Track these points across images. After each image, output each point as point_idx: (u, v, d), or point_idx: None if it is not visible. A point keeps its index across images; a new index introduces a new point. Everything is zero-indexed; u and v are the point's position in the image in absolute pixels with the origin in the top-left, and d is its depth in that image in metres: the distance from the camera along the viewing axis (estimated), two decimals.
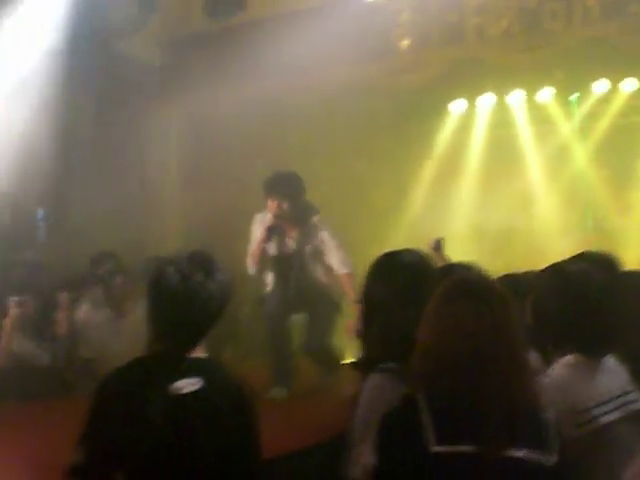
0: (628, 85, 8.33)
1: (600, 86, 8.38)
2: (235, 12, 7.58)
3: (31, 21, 6.75)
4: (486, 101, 8.86)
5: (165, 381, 2.37)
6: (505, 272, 3.52)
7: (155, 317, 2.50)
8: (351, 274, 5.49)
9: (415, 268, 2.70)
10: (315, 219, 5.60)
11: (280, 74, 7.64)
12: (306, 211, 5.60)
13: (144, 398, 2.33)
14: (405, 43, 7.64)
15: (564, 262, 2.96)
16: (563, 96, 8.68)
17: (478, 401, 2.05)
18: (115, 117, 7.90)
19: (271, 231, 5.49)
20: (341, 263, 5.55)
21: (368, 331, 2.69)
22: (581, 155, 8.75)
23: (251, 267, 5.56)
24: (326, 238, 5.57)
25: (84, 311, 5.89)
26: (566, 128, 8.80)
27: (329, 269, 5.61)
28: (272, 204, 5.47)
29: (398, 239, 7.44)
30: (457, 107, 9.02)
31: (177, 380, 2.37)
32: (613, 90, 8.42)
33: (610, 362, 2.66)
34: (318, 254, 5.59)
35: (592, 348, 2.63)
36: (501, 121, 8.91)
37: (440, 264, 3.56)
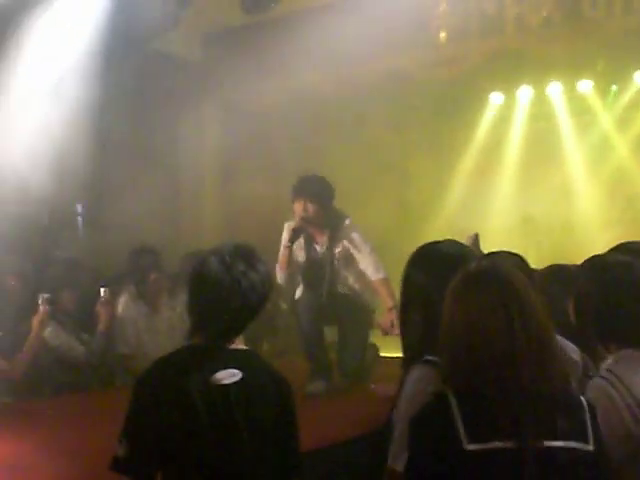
0: None
1: None
2: (271, 6, 7.55)
3: (67, 21, 6.79)
4: (525, 93, 8.75)
5: (206, 372, 2.37)
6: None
7: (196, 307, 2.50)
8: (387, 279, 5.27)
9: (456, 258, 2.64)
10: (347, 222, 5.38)
11: (317, 67, 7.63)
12: (335, 219, 5.37)
13: (185, 388, 2.34)
14: (443, 35, 7.59)
15: (604, 254, 2.90)
16: (603, 87, 8.54)
17: (508, 396, 2.02)
18: (151, 115, 7.95)
19: (297, 232, 5.29)
20: (375, 268, 5.31)
21: (409, 323, 2.64)
22: (622, 147, 8.63)
23: (280, 274, 5.31)
24: (358, 241, 5.33)
25: (121, 306, 5.92)
26: (607, 119, 8.67)
27: (361, 274, 5.40)
28: (298, 206, 5.29)
29: (435, 234, 7.36)
30: (496, 99, 8.93)
31: (218, 371, 2.37)
32: None
33: None
34: (350, 259, 5.38)
35: None
36: (540, 113, 8.80)
37: None
